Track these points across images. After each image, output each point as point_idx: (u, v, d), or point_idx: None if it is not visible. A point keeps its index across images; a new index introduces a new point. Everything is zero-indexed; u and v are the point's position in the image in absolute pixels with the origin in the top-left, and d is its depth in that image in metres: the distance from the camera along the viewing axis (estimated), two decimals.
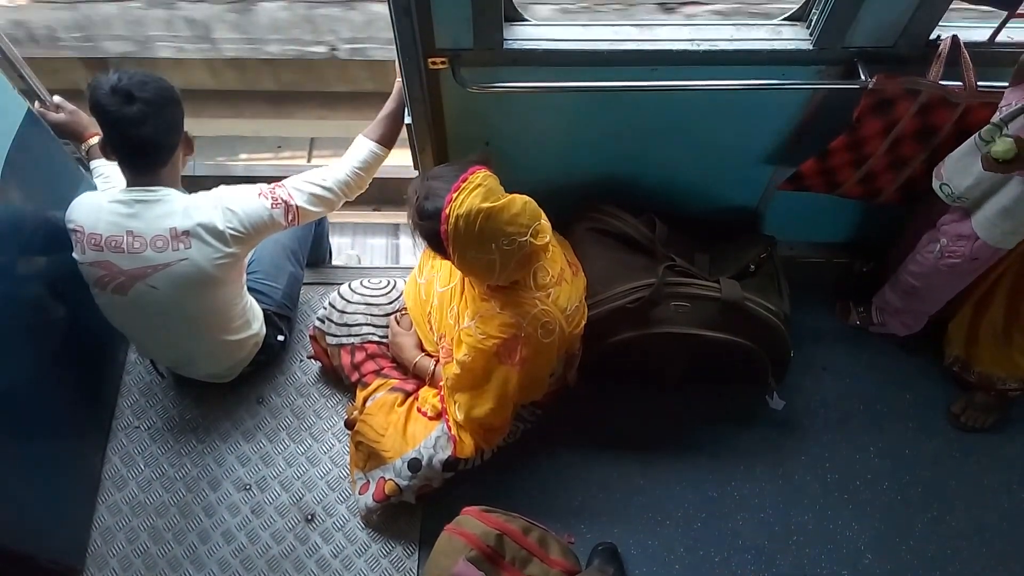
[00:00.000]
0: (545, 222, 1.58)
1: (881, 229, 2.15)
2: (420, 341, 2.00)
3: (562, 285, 1.74)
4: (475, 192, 1.48)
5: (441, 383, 1.87)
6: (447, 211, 1.49)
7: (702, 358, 2.01)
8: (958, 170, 1.69)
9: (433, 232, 1.54)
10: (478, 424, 1.79)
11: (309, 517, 2.06)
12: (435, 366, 1.94)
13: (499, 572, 1.55)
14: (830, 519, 2.07)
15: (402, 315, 2.06)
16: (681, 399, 2.18)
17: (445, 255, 1.59)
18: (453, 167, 1.56)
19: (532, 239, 1.52)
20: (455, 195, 1.48)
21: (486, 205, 1.47)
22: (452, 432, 1.85)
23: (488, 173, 1.54)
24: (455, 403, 1.80)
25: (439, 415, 1.90)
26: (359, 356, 2.05)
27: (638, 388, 2.17)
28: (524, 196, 1.55)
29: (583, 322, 1.81)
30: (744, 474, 2.12)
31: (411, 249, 2.88)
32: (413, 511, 2.02)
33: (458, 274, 1.78)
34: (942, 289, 1.97)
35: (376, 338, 2.05)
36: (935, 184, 1.76)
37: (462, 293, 1.76)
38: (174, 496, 2.09)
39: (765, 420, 2.17)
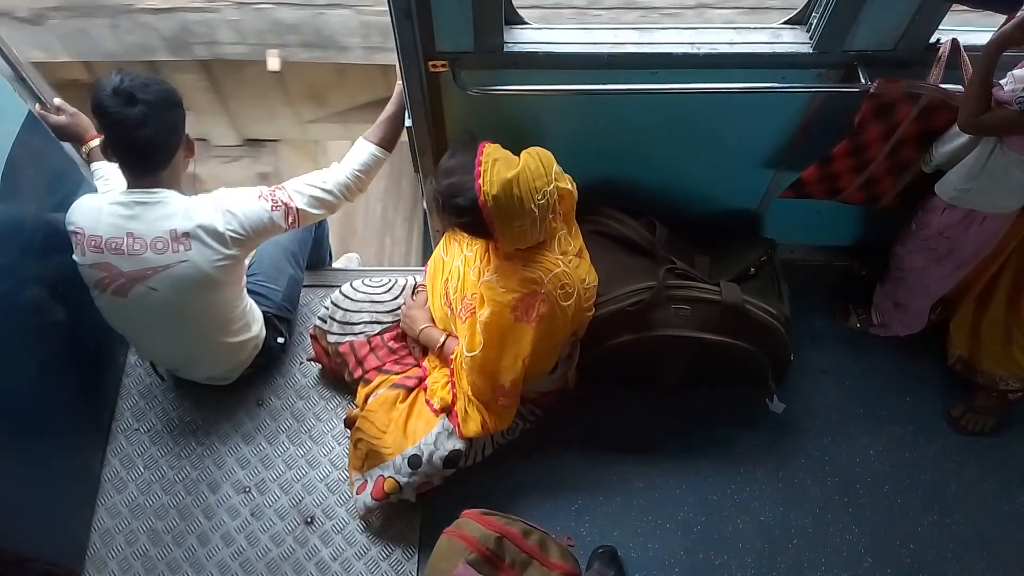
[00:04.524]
0: (556, 165, 1.62)
1: (881, 232, 2.15)
2: (432, 317, 2.01)
3: (582, 258, 1.78)
4: (496, 167, 1.52)
5: (452, 355, 1.87)
6: (482, 197, 1.52)
7: (702, 361, 2.01)
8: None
9: (477, 222, 1.57)
10: (490, 387, 1.78)
11: (309, 520, 2.06)
12: (445, 339, 1.94)
13: (498, 575, 1.55)
14: (830, 522, 2.07)
15: (418, 291, 2.09)
16: (681, 402, 2.17)
17: (489, 236, 1.62)
18: (457, 157, 1.58)
19: (557, 183, 1.58)
20: (480, 180, 1.51)
21: (512, 174, 1.51)
22: (458, 407, 1.84)
23: (493, 144, 1.58)
24: (467, 369, 1.79)
25: (444, 409, 1.89)
26: (362, 350, 2.05)
27: (638, 391, 2.17)
28: (531, 148, 1.59)
29: (593, 303, 1.83)
30: (744, 477, 2.12)
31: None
32: (413, 514, 2.02)
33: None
34: (926, 273, 1.97)
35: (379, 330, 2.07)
36: None
37: (486, 251, 1.78)
38: (173, 498, 2.09)
39: (765, 423, 2.17)
